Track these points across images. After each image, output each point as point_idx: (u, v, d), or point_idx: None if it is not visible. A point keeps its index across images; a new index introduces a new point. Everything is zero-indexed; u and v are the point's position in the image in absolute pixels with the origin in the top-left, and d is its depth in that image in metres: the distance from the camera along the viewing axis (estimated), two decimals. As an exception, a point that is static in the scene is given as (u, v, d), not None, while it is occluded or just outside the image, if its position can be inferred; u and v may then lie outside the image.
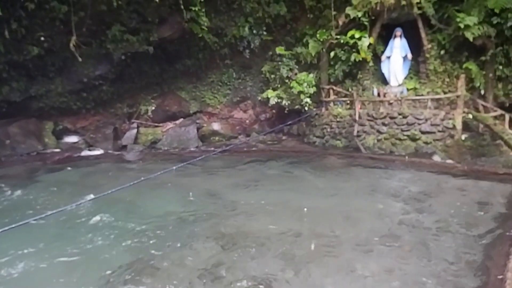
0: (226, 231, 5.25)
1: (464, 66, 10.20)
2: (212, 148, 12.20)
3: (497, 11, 9.37)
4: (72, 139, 12.99)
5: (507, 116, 9.20)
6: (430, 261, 4.12)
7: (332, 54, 11.95)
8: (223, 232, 5.21)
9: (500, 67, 9.90)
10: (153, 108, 13.69)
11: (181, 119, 13.59)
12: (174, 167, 6.68)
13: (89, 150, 12.28)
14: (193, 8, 12.40)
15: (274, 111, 14.42)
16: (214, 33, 13.97)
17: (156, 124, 13.59)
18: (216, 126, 13.83)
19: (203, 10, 12.55)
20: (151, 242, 4.97)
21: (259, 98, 13.84)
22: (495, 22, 9.52)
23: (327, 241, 4.74)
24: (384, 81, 11.70)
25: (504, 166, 7.88)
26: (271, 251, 4.54)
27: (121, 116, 14.42)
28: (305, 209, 5.88)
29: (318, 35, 12.17)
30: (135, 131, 12.81)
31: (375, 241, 4.68)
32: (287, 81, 12.55)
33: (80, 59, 11.72)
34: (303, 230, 5.11)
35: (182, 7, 12.14)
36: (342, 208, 5.91)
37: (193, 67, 15.12)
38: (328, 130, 11.59)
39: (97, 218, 5.72)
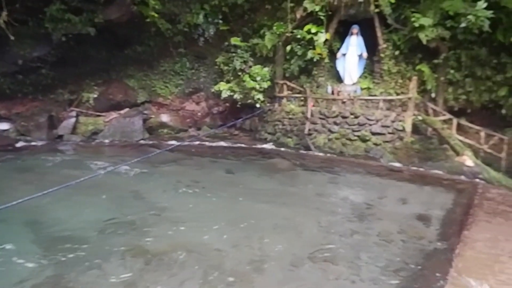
0: (145, 245, 4.64)
1: (417, 68, 10.06)
2: (156, 141, 11.49)
3: (451, 14, 9.24)
4: (2, 126, 11.75)
5: (454, 121, 9.13)
6: (363, 281, 3.73)
7: (288, 48, 11.50)
8: (141, 247, 4.59)
9: (452, 71, 9.82)
10: (95, 96, 12.67)
11: (127, 109, 12.68)
12: (103, 172, 5.87)
13: (26, 141, 11.07)
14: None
15: (227, 104, 13.83)
16: (167, 19, 13.13)
17: (98, 114, 12.60)
18: (165, 118, 13.06)
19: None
20: (54, 262, 4.23)
21: (213, 90, 13.18)
22: (449, 25, 9.40)
23: (260, 255, 4.25)
24: (339, 79, 11.42)
25: (448, 172, 7.76)
26: (191, 268, 3.99)
27: (62, 103, 13.29)
28: (241, 219, 5.37)
29: (275, 28, 11.67)
30: (73, 120, 11.78)
31: (309, 255, 4.24)
32: (240, 74, 11.99)
33: (12, 38, 10.64)
34: (233, 242, 4.59)
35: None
36: (281, 217, 5.45)
37: (144, 54, 14.21)
38: (280, 127, 11.17)
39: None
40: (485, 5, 8.54)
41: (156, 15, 11.58)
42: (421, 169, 7.78)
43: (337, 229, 4.95)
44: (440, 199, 5.94)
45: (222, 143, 11.44)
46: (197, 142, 11.22)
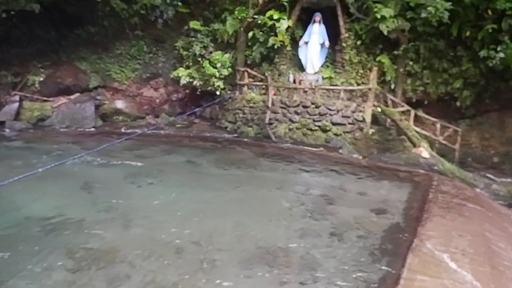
0: (92, 244, 4.25)
1: (377, 59, 10.06)
2: (111, 129, 10.87)
3: (412, 5, 9.24)
4: None
5: (412, 112, 9.24)
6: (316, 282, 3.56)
7: (250, 34, 11.14)
8: (87, 246, 4.19)
9: (411, 62, 9.90)
10: (42, 79, 11.74)
11: (77, 94, 11.87)
12: (40, 169, 5.29)
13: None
14: (95, -34, 10.75)
15: (187, 91, 13.33)
16: (123, -2, 12.35)
17: (46, 99, 11.70)
18: (120, 104, 12.37)
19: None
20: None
21: (172, 76, 12.59)
22: (409, 16, 9.41)
23: (209, 258, 3.98)
24: (301, 68, 11.24)
25: (405, 163, 7.82)
26: (131, 276, 3.65)
27: (5, 86, 12.21)
28: (198, 213, 5.07)
29: (236, 13, 11.25)
30: (16, 105, 10.85)
31: (261, 256, 4.02)
32: (200, 59, 11.52)
33: None
34: (180, 243, 4.28)
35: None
36: (235, 213, 5.19)
37: (98, 36, 13.37)
38: (241, 115, 10.87)
39: None
40: (445, -3, 8.59)
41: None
42: (379, 162, 7.76)
43: (292, 225, 4.77)
44: (396, 193, 5.94)
45: (180, 132, 10.98)
46: (153, 131, 10.67)
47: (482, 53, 8.67)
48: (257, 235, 4.45)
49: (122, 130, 10.62)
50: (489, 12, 8.45)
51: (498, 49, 8.45)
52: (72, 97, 11.74)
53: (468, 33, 9.06)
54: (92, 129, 10.84)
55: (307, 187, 6.30)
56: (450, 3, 8.60)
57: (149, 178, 6.65)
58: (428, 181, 6.28)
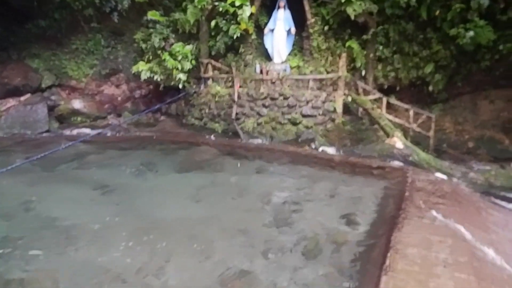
0: (24, 272, 3.65)
1: (346, 44, 9.58)
2: (67, 132, 10.05)
3: (379, -13, 8.78)
4: None
5: (384, 100, 8.86)
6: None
7: (213, 23, 10.43)
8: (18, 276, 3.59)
9: (381, 47, 9.50)
10: (-15, 80, 10.75)
11: (28, 95, 10.93)
12: None
13: None
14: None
15: (151, 87, 12.57)
16: (73, -12, 11.39)
17: (-9, 101, 10.74)
18: (77, 103, 11.51)
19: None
20: None
21: (133, 71, 11.78)
22: (376, -2, 8.94)
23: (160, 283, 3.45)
24: (268, 57, 10.65)
25: (379, 155, 7.42)
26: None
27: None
28: (148, 231, 4.49)
29: (196, 0, 10.49)
30: (-43, 110, 9.88)
31: (222, 277, 3.51)
32: (160, 52, 10.76)
33: None
34: (123, 271, 3.71)
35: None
36: (194, 226, 4.66)
37: (50, 30, 12.38)
38: (207, 111, 10.25)
39: None
40: (412, -23, 8.16)
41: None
42: (352, 156, 7.32)
43: (255, 242, 4.26)
44: (370, 192, 5.52)
45: (145, 131, 10.27)
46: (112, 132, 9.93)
47: (452, 32, 8.34)
48: (214, 256, 3.92)
49: (75, 132, 9.76)
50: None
51: (467, 27, 8.14)
52: (22, 98, 10.79)
53: (437, 13, 8.69)
54: (45, 133, 9.95)
55: (273, 191, 5.81)
56: (418, -16, 8.18)
57: (96, 191, 5.99)
58: (403, 176, 5.90)
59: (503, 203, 5.83)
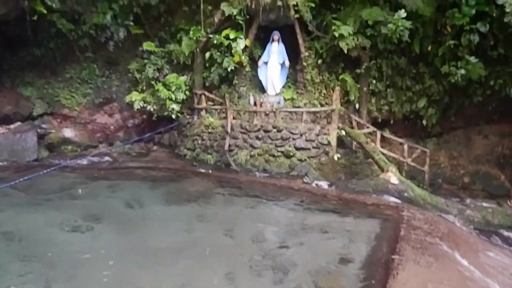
0: None
1: (340, 77, 9.62)
2: (57, 161, 9.83)
3: (370, 23, 8.90)
4: None
5: (378, 134, 8.81)
6: None
7: (207, 55, 10.49)
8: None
9: (374, 81, 9.55)
10: (-25, 108, 10.61)
11: (18, 123, 10.78)
12: None
13: None
14: (37, -15, 9.90)
15: (144, 116, 12.46)
16: (69, 18, 11.51)
17: (-20, 130, 10.55)
18: (68, 132, 11.35)
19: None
20: None
21: (127, 101, 11.70)
22: (369, 33, 9.07)
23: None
24: (262, 89, 10.66)
25: (374, 190, 7.26)
26: None
27: None
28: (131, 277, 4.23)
29: (191, 32, 10.60)
30: None
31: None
32: (154, 82, 10.74)
33: None
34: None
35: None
36: (179, 272, 4.40)
37: (45, 59, 12.38)
38: (199, 142, 10.11)
39: None
40: (405, 14, 8.29)
41: (45, 11, 9.96)
42: (346, 191, 7.15)
43: (239, 284, 4.03)
44: (364, 231, 5.32)
45: (136, 161, 10.08)
46: (106, 162, 9.72)
47: (443, 70, 8.43)
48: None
49: (61, 162, 9.52)
50: (448, 28, 8.21)
51: (459, 65, 8.22)
52: (12, 126, 10.63)
53: (429, 48, 8.81)
54: (33, 162, 9.73)
55: (263, 228, 5.60)
56: (410, 22, 8.30)
57: (83, 224, 5.76)
58: (398, 214, 5.73)
59: (502, 243, 5.67)
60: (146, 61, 11.23)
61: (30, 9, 10.31)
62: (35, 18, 10.05)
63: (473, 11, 7.78)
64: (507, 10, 7.01)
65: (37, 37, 11.72)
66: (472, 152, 9.24)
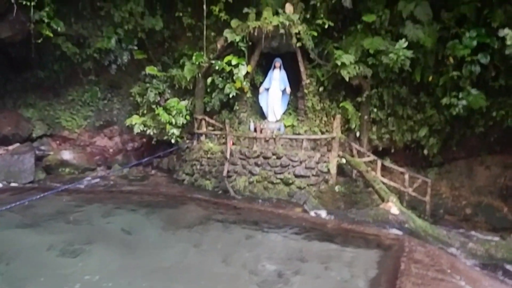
0: None
1: (340, 105, 9.62)
2: (55, 184, 9.72)
3: (372, 52, 8.97)
4: None
5: (379, 162, 8.70)
6: None
7: (209, 80, 10.55)
8: None
9: (375, 109, 9.54)
10: (-26, 128, 10.61)
11: (17, 145, 10.75)
12: None
13: None
14: (44, 8, 10.10)
15: (144, 140, 12.44)
16: (75, 42, 11.71)
17: (-21, 150, 10.52)
18: (67, 154, 11.28)
19: (54, 11, 10.32)
20: None
21: (127, 124, 11.69)
22: (370, 62, 9.12)
23: None
24: (263, 115, 10.66)
25: (374, 220, 7.09)
26: None
27: None
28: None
29: (194, 58, 10.71)
30: None
31: None
32: (154, 106, 10.76)
33: None
34: None
35: (29, 4, 9.76)
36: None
37: (48, 81, 12.53)
38: (198, 167, 10.01)
39: None
40: (406, 44, 8.36)
41: (51, 34, 10.11)
42: (346, 221, 6.98)
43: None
44: (363, 263, 5.13)
45: (132, 187, 9.94)
46: (101, 187, 9.59)
47: (445, 101, 8.40)
48: None
49: (59, 186, 9.40)
50: (451, 59, 8.24)
51: (460, 95, 8.20)
52: (10, 147, 10.59)
53: (430, 78, 8.83)
54: (29, 184, 9.62)
55: (261, 257, 5.42)
56: (411, 51, 8.36)
57: (73, 249, 5.59)
58: (399, 245, 5.54)
59: (506, 278, 5.46)
60: (148, 85, 11.30)
61: (36, 32, 10.47)
62: (40, 41, 10.13)
63: (474, 43, 7.83)
64: (508, 43, 7.04)
65: (42, 59, 11.88)
66: (474, 183, 9.08)
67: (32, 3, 9.65)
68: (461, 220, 8.58)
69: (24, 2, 9.57)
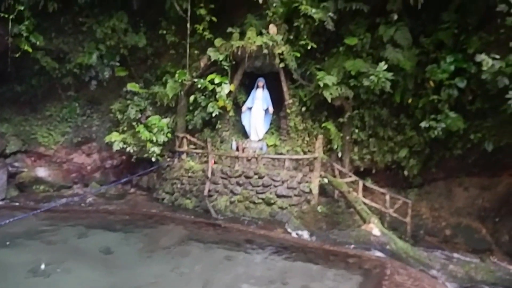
0: None
1: (323, 125, 9.67)
2: (26, 202, 9.33)
3: (353, 73, 9.12)
4: None
5: (360, 183, 8.71)
6: None
7: (191, 98, 10.48)
8: None
9: (356, 130, 9.62)
10: None
11: (-11, 161, 10.35)
12: None
13: None
14: (24, 22, 9.93)
15: (124, 157, 12.15)
16: (54, 56, 11.53)
17: None
18: (42, 171, 10.93)
19: (34, 25, 10.16)
20: None
21: (106, 141, 11.41)
22: (352, 84, 9.26)
23: None
24: (245, 134, 10.61)
25: (355, 242, 7.05)
26: None
27: None
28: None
29: (177, 75, 10.64)
30: None
31: None
32: (135, 124, 10.58)
33: None
34: None
35: (7, 17, 9.58)
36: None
37: (25, 95, 12.20)
38: (179, 186, 9.82)
39: None
40: (385, 66, 8.53)
41: (30, 49, 9.91)
42: (327, 242, 6.92)
43: None
44: (346, 287, 5.03)
45: (108, 206, 9.63)
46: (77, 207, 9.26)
47: (424, 124, 8.53)
48: None
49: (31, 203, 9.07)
50: (431, 83, 8.42)
51: (438, 118, 8.36)
52: (-18, 164, 10.18)
53: (410, 101, 8.99)
54: (1, 201, 9.20)
55: (241, 279, 5.26)
56: (391, 73, 8.53)
57: (45, 270, 5.33)
58: (381, 268, 5.48)
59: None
60: (129, 101, 11.15)
61: (14, 45, 10.25)
62: (18, 54, 9.91)
63: (452, 67, 8.05)
64: (484, 68, 7.25)
65: (19, 73, 11.59)
66: (454, 204, 9.17)
67: (11, 16, 9.45)
68: (441, 241, 8.63)
69: (2, 15, 9.39)
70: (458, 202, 9.19)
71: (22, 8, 9.59)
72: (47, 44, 11.11)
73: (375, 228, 7.17)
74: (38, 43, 10.34)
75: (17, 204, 9.34)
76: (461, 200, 9.17)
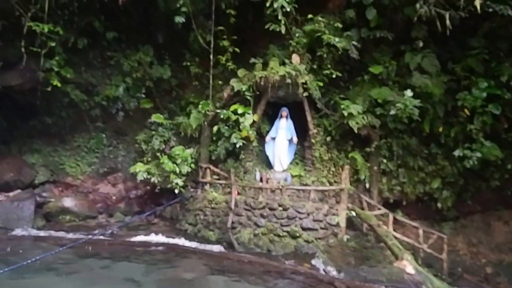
0: None
1: (349, 156, 9.38)
2: (52, 233, 9.34)
3: (380, 101, 8.89)
4: None
5: (390, 216, 8.28)
6: None
7: (215, 129, 10.46)
8: None
9: (384, 160, 9.28)
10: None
11: (18, 191, 10.54)
12: None
13: None
14: (55, 57, 10.31)
15: (148, 187, 12.15)
16: (84, 89, 11.85)
17: (-21, 197, 10.30)
18: (68, 202, 11.01)
19: (64, 59, 10.54)
20: None
21: (131, 171, 11.47)
22: (378, 112, 9.01)
23: None
24: (269, 165, 10.42)
25: (387, 280, 6.60)
26: None
27: None
28: None
29: (200, 106, 10.71)
30: None
31: None
32: (159, 154, 10.61)
33: None
34: None
35: (40, 51, 9.98)
36: None
37: (55, 127, 12.52)
38: (202, 217, 9.65)
39: None
40: (411, 93, 8.27)
41: (59, 84, 10.22)
42: (357, 280, 6.51)
43: None
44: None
45: (132, 237, 9.50)
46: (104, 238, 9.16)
47: (457, 153, 8.13)
48: None
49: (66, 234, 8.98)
50: (466, 111, 8.06)
51: (473, 147, 7.95)
52: (11, 194, 10.39)
53: (440, 129, 8.64)
54: (23, 233, 9.21)
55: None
56: (418, 100, 8.25)
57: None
58: (417, 313, 5.04)
59: None
60: (153, 132, 11.25)
61: (45, 80, 10.61)
62: (49, 88, 10.24)
63: (485, 94, 7.71)
64: (519, 94, 6.91)
65: (49, 106, 11.93)
66: (493, 239, 8.57)
67: (43, 52, 9.83)
68: (482, 280, 8.00)
69: (35, 50, 9.79)
70: (498, 237, 8.59)
71: (53, 44, 9.95)
72: (76, 78, 11.45)
73: (408, 265, 6.70)
74: (68, 75, 10.67)
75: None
76: (501, 235, 8.57)
